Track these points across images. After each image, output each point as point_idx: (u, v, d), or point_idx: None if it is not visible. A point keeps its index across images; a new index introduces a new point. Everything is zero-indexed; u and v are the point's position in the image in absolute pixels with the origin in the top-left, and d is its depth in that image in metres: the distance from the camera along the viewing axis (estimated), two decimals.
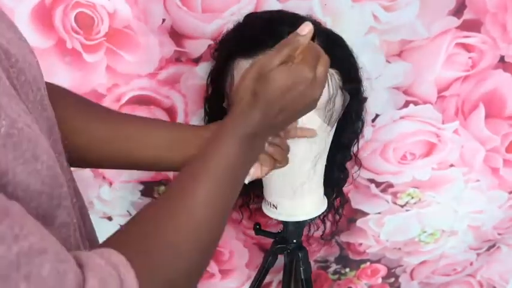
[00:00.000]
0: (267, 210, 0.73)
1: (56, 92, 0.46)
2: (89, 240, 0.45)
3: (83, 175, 0.88)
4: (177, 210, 0.39)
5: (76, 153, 0.46)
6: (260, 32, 0.61)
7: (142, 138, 0.53)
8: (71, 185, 0.41)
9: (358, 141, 0.78)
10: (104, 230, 1.03)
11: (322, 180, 0.73)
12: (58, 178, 0.32)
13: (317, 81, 0.45)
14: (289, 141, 0.63)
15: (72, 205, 0.37)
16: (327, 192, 0.77)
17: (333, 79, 0.60)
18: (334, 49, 0.62)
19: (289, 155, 0.65)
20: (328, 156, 0.71)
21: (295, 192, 0.69)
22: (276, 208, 0.72)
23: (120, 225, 0.97)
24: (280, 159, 0.58)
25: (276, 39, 0.58)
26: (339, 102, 0.63)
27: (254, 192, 0.85)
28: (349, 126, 0.72)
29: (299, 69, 0.45)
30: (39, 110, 0.37)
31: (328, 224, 0.91)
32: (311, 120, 0.61)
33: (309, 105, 0.47)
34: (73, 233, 0.36)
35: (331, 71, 0.60)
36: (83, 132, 0.50)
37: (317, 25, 0.64)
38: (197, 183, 0.40)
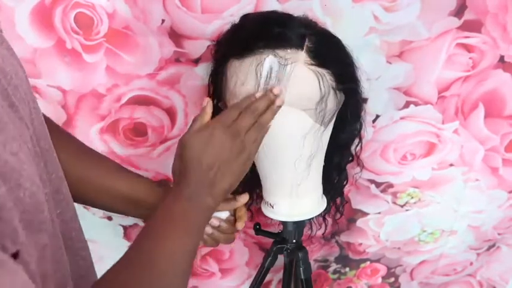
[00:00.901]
0: (266, 210, 0.73)
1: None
2: (79, 249, 0.49)
3: None
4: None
5: None
6: (251, 34, 0.61)
7: (105, 188, 0.57)
8: (56, 197, 0.42)
9: (361, 142, 0.77)
10: (103, 231, 1.04)
11: (320, 181, 0.73)
12: (40, 205, 0.33)
13: (238, 136, 0.51)
14: (283, 142, 0.64)
15: (52, 220, 0.38)
16: (327, 193, 0.77)
17: (325, 79, 0.60)
18: (328, 49, 0.62)
19: (283, 156, 0.65)
20: (326, 156, 0.71)
21: (292, 193, 0.69)
22: (273, 208, 0.72)
23: (120, 225, 0.97)
24: (224, 242, 0.66)
25: (266, 40, 0.58)
26: (332, 102, 0.63)
27: (256, 192, 0.85)
28: (345, 126, 0.71)
29: (210, 128, 0.51)
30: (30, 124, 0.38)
31: (329, 223, 0.91)
32: (303, 120, 0.61)
33: (244, 160, 0.53)
34: (58, 250, 0.37)
35: (323, 71, 0.60)
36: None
37: (312, 25, 0.64)
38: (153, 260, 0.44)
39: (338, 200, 0.84)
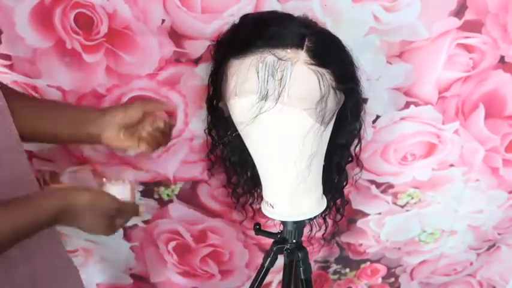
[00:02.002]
0: (265, 210, 0.73)
1: None
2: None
3: (83, 175, 0.88)
4: None
5: None
6: (251, 33, 0.61)
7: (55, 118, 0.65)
8: None
9: (360, 143, 0.77)
10: None
11: (320, 181, 0.73)
12: None
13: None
14: (283, 142, 0.64)
15: None
16: (327, 193, 0.77)
17: (325, 79, 0.60)
18: (327, 49, 0.62)
19: (283, 155, 0.66)
20: (326, 156, 0.71)
21: (292, 192, 0.69)
22: (273, 208, 0.72)
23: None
24: (161, 141, 0.70)
25: (266, 40, 0.58)
26: (331, 102, 0.63)
27: (256, 192, 0.85)
28: (345, 126, 0.71)
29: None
30: None
31: (329, 224, 0.91)
32: (303, 120, 0.61)
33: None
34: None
35: (323, 71, 0.60)
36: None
37: (312, 25, 0.64)
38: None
39: (338, 201, 0.84)
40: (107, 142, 0.65)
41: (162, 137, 0.71)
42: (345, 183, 0.81)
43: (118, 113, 0.64)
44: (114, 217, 0.63)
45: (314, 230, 0.87)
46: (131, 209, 0.67)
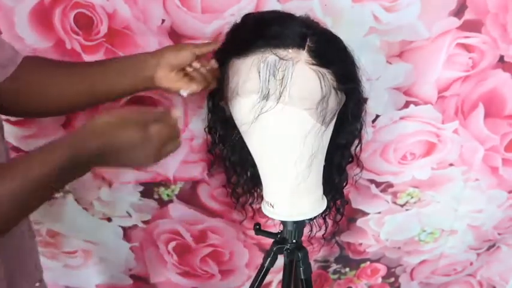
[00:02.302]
0: (266, 209, 0.73)
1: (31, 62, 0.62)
2: None
3: (83, 177, 0.88)
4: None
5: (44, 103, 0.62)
6: (253, 33, 0.61)
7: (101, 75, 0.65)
8: None
9: (360, 143, 0.77)
10: (103, 232, 1.04)
11: (321, 181, 0.73)
12: None
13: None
14: (284, 142, 0.64)
15: None
16: (327, 194, 0.76)
17: (326, 79, 0.60)
18: (329, 49, 0.62)
19: (283, 155, 0.65)
20: (327, 157, 0.71)
21: (292, 192, 0.69)
22: (273, 207, 0.72)
23: (120, 226, 0.97)
24: (210, 81, 0.67)
25: (268, 39, 0.58)
26: (333, 102, 0.63)
27: (257, 192, 0.85)
28: (346, 126, 0.71)
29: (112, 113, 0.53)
30: None
31: (329, 224, 0.91)
32: (304, 119, 0.61)
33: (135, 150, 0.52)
34: None
35: (324, 70, 0.60)
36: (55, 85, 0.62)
37: (314, 24, 0.64)
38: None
39: (338, 201, 0.84)
40: (159, 83, 0.64)
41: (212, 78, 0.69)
42: (345, 184, 0.81)
43: (170, 54, 0.63)
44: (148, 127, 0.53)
45: (314, 230, 0.87)
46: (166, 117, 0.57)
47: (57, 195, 0.92)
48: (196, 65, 0.65)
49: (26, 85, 0.61)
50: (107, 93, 0.65)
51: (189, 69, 0.65)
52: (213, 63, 0.66)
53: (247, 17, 0.66)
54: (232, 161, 0.81)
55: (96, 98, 0.66)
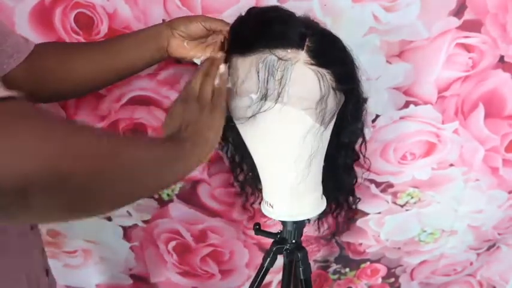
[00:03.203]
0: (265, 209, 0.73)
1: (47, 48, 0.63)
2: None
3: None
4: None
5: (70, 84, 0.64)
6: (252, 32, 0.61)
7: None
8: None
9: (365, 142, 0.77)
10: (103, 231, 1.04)
11: (320, 181, 0.73)
12: None
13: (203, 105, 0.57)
14: (283, 142, 0.64)
15: None
16: (338, 193, 0.77)
17: (325, 79, 0.60)
18: (328, 49, 0.62)
19: (283, 155, 0.65)
20: (330, 157, 0.70)
21: (291, 192, 0.69)
22: (272, 208, 0.72)
23: (120, 226, 0.97)
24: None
25: (267, 39, 0.58)
26: (332, 102, 0.62)
27: (256, 192, 0.85)
28: (346, 126, 0.71)
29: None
30: None
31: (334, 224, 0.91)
32: (303, 120, 0.61)
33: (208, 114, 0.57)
34: None
35: (323, 71, 0.60)
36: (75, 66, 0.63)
37: (313, 25, 0.64)
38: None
39: (351, 199, 0.84)
40: (174, 52, 0.66)
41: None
42: (354, 182, 0.81)
43: (180, 25, 0.65)
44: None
45: (322, 229, 0.87)
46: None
47: None
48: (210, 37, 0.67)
49: (44, 71, 0.62)
50: (127, 67, 0.67)
51: (200, 41, 0.67)
52: (226, 28, 0.67)
53: (250, 12, 0.65)
54: (233, 161, 0.81)
55: (116, 74, 0.67)
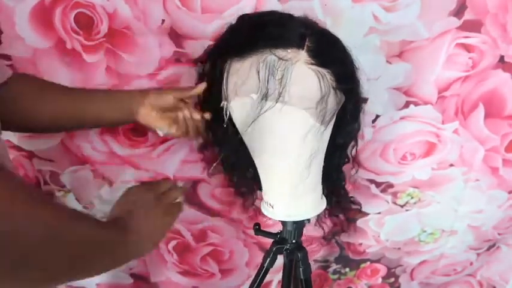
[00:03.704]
0: (265, 209, 0.73)
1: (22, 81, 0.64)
2: None
3: (84, 175, 0.88)
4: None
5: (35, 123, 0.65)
6: (252, 34, 0.61)
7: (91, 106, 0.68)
8: None
9: (356, 144, 0.77)
10: None
11: (320, 181, 0.73)
12: None
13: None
14: (283, 141, 0.64)
15: None
16: (327, 193, 0.77)
17: (325, 79, 0.60)
18: (328, 49, 0.62)
19: (283, 155, 0.66)
20: (326, 157, 0.71)
21: (291, 192, 0.69)
22: (272, 208, 0.72)
23: None
24: (190, 130, 0.72)
25: (266, 40, 0.59)
26: (332, 102, 0.63)
27: (256, 192, 0.85)
28: (344, 126, 0.72)
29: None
30: None
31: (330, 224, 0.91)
32: (303, 119, 0.61)
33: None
34: None
35: (323, 70, 0.60)
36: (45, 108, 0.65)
37: (312, 24, 0.64)
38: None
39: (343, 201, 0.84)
40: (141, 119, 0.68)
41: (195, 128, 0.73)
42: (343, 183, 0.82)
43: (152, 95, 0.68)
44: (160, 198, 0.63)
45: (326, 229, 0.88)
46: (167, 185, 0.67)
47: (57, 193, 0.92)
48: (181, 111, 0.70)
49: (16, 102, 0.62)
50: (95, 120, 0.69)
51: (169, 113, 0.69)
52: (196, 115, 0.70)
53: (243, 18, 0.66)
54: (232, 161, 0.81)
55: (85, 123, 0.70)
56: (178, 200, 0.66)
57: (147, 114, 0.68)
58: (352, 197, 0.90)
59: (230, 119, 0.68)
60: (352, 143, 0.77)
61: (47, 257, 0.41)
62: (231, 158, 0.79)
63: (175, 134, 0.70)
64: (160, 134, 0.69)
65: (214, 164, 0.81)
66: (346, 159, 0.79)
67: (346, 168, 0.81)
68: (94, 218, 0.50)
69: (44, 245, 0.40)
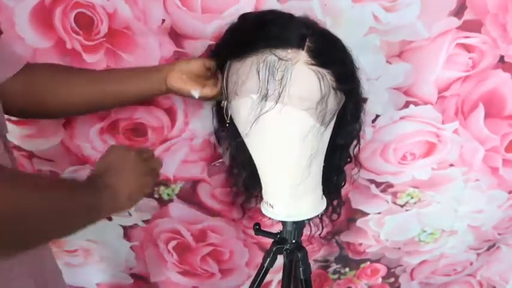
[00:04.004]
0: (265, 210, 0.73)
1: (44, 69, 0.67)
2: None
3: (83, 175, 0.88)
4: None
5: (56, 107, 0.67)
6: (252, 34, 0.61)
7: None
8: None
9: (359, 143, 0.77)
10: (103, 231, 1.04)
11: (320, 181, 0.73)
12: None
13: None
14: (283, 142, 0.64)
15: None
16: (326, 194, 0.77)
17: (325, 79, 0.60)
18: (328, 49, 0.62)
19: (283, 155, 0.66)
20: (326, 157, 0.71)
21: (291, 193, 0.69)
22: (272, 208, 0.72)
23: (120, 226, 0.97)
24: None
25: (267, 40, 0.59)
26: (332, 102, 0.63)
27: (256, 192, 0.85)
28: (345, 127, 0.71)
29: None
30: None
31: (330, 224, 0.91)
32: (303, 120, 0.61)
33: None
34: None
35: (323, 71, 0.60)
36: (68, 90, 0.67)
37: (313, 25, 0.64)
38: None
39: (335, 202, 0.84)
40: (172, 84, 0.68)
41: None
42: (343, 184, 0.81)
43: (180, 62, 0.69)
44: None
45: (314, 230, 0.87)
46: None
47: None
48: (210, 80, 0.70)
49: (42, 90, 0.65)
50: (125, 95, 0.70)
51: (199, 79, 0.69)
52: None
53: (243, 18, 0.66)
54: (234, 161, 0.81)
55: (106, 103, 0.71)
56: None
57: (178, 78, 0.68)
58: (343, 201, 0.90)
59: (231, 118, 0.68)
60: (355, 142, 0.77)
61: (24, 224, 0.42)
62: (231, 157, 0.79)
63: (209, 94, 0.69)
64: (196, 95, 0.68)
65: (218, 162, 0.81)
66: (349, 159, 0.79)
67: (346, 168, 0.81)
68: (69, 180, 0.54)
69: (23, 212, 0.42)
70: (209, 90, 0.68)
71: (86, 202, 0.51)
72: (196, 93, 0.68)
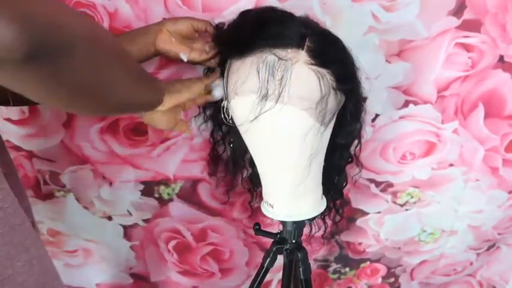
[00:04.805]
0: (265, 209, 0.73)
1: None
2: None
3: (83, 175, 0.88)
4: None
5: None
6: (252, 33, 0.61)
7: None
8: None
9: (360, 143, 0.77)
10: (103, 231, 1.04)
11: (320, 181, 0.73)
12: None
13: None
14: (283, 142, 0.64)
15: None
16: (327, 194, 0.77)
17: (325, 79, 0.60)
18: (328, 49, 0.62)
19: (283, 155, 0.66)
20: (326, 157, 0.71)
21: (291, 193, 0.69)
22: (272, 208, 0.72)
23: (120, 225, 0.98)
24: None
25: (267, 39, 0.59)
26: (332, 102, 0.63)
27: (256, 192, 0.85)
28: (345, 126, 0.71)
29: None
30: None
31: (329, 224, 0.91)
32: (303, 119, 0.61)
33: None
34: None
35: (323, 71, 0.60)
36: None
37: (313, 24, 0.64)
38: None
39: (338, 202, 0.84)
40: (160, 45, 0.68)
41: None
42: (344, 184, 0.81)
43: (169, 22, 0.68)
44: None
45: (314, 230, 0.87)
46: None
47: (57, 194, 0.92)
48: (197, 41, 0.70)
49: None
50: None
51: (188, 41, 0.69)
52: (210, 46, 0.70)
53: (243, 16, 0.66)
54: (233, 161, 0.81)
55: None
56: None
57: (166, 40, 0.67)
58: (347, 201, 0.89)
59: (231, 118, 0.68)
60: (355, 142, 0.77)
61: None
62: (231, 157, 0.79)
63: (197, 58, 0.68)
64: (184, 59, 0.68)
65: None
66: (350, 159, 0.79)
67: (346, 168, 0.81)
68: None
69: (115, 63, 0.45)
70: (197, 54, 0.67)
71: (155, 87, 0.58)
72: (184, 57, 0.68)
